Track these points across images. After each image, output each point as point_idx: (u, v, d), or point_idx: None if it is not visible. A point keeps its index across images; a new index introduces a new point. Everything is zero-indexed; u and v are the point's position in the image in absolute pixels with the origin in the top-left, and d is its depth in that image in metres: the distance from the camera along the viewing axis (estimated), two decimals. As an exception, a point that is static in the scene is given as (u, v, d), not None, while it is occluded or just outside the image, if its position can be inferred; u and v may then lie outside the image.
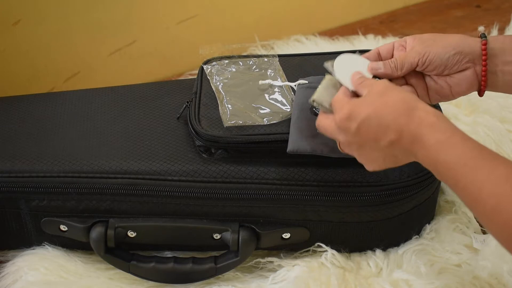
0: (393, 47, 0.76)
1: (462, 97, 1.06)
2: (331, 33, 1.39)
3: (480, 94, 0.75)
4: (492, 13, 1.47)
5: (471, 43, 0.72)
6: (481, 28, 0.73)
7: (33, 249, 0.86)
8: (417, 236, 0.87)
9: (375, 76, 0.74)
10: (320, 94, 0.72)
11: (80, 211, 0.82)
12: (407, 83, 0.76)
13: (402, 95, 0.65)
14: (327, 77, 0.73)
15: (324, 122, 0.71)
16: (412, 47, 0.74)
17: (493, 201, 0.55)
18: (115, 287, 0.82)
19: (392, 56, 0.76)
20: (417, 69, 0.74)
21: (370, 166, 0.69)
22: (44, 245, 0.86)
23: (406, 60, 0.74)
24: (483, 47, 0.72)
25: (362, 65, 0.74)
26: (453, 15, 1.49)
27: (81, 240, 0.83)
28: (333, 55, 0.89)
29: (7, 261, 0.87)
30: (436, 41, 0.73)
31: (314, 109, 0.79)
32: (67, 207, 0.82)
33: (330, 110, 0.70)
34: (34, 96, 0.99)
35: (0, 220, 0.84)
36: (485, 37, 0.72)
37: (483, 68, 0.72)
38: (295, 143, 0.77)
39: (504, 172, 0.56)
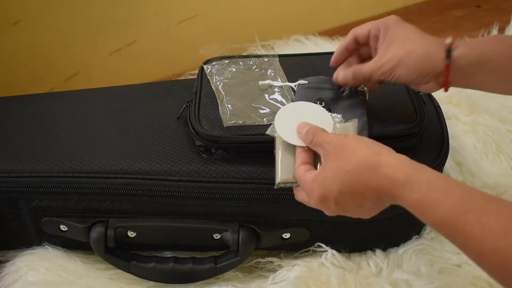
0: (369, 34, 0.76)
1: (462, 97, 1.07)
2: (331, 33, 1.39)
3: (445, 91, 0.74)
4: (492, 13, 1.47)
5: (435, 62, 0.70)
6: (448, 40, 0.71)
7: (33, 249, 0.86)
8: (417, 236, 0.87)
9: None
10: (284, 175, 0.69)
11: (80, 211, 0.82)
12: None
13: (359, 155, 0.61)
14: (278, 147, 0.71)
15: (302, 199, 0.69)
16: (378, 59, 0.73)
17: (497, 258, 0.52)
18: (115, 287, 0.82)
19: (368, 42, 0.77)
20: (385, 80, 0.75)
21: (365, 217, 0.66)
22: (44, 245, 0.86)
23: (373, 76, 0.74)
24: (445, 67, 0.70)
25: (301, 111, 0.72)
26: (453, 15, 1.50)
27: (81, 240, 0.83)
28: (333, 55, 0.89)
29: (7, 261, 0.87)
30: (402, 59, 0.71)
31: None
32: (67, 207, 0.82)
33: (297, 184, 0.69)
34: (34, 96, 0.99)
35: (0, 220, 0.84)
36: (449, 56, 0.70)
37: (444, 87, 0.72)
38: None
39: (498, 225, 0.53)
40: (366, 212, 0.64)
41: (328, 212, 0.66)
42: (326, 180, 0.63)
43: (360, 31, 0.77)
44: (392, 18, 0.75)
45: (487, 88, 0.74)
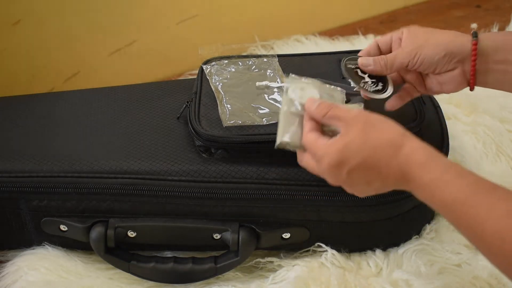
0: (391, 40, 0.76)
1: (462, 97, 1.06)
2: (331, 33, 1.38)
3: (471, 89, 0.75)
4: (492, 13, 1.47)
5: (462, 43, 0.72)
6: (473, 26, 0.72)
7: (33, 249, 0.86)
8: (417, 236, 0.87)
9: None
10: (288, 135, 0.68)
11: (80, 211, 0.82)
12: (401, 76, 0.77)
13: (387, 134, 0.63)
14: (284, 107, 0.70)
15: (307, 162, 0.68)
16: (404, 46, 0.74)
17: (498, 239, 0.54)
18: (115, 287, 0.82)
19: (391, 50, 0.76)
20: (408, 67, 0.74)
21: (361, 195, 0.67)
22: (44, 245, 0.86)
23: (396, 60, 0.74)
24: (473, 47, 0.71)
25: (311, 85, 0.72)
26: (453, 15, 1.50)
27: (81, 240, 0.83)
28: (333, 55, 0.90)
29: (7, 261, 0.87)
30: (428, 40, 0.72)
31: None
32: (67, 207, 0.82)
33: (303, 149, 0.68)
34: (34, 96, 0.99)
35: (0, 220, 0.84)
36: (476, 36, 0.72)
37: (472, 68, 0.72)
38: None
39: (505, 207, 0.55)
40: (366, 190, 0.65)
41: (332, 180, 0.66)
42: (347, 149, 0.63)
43: (383, 38, 0.77)
44: (414, 26, 0.76)
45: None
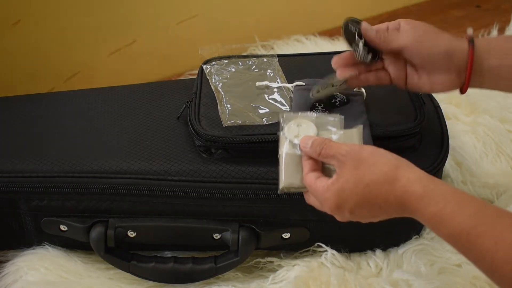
0: (387, 29, 0.74)
1: (462, 97, 1.06)
2: (331, 33, 1.38)
3: (462, 92, 0.74)
4: (492, 13, 1.47)
5: (461, 46, 0.71)
6: (469, 31, 0.72)
7: (33, 249, 0.86)
8: (417, 236, 0.87)
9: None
10: (289, 179, 0.68)
11: (80, 211, 0.82)
12: (384, 68, 0.76)
13: (380, 169, 0.62)
14: (283, 150, 0.69)
15: (313, 203, 0.68)
16: (405, 31, 0.73)
17: (509, 268, 0.53)
18: (115, 287, 0.82)
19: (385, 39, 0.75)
20: (404, 54, 0.73)
21: (375, 221, 0.67)
22: (44, 245, 0.86)
23: (396, 40, 0.72)
24: (470, 52, 0.71)
25: (307, 120, 0.71)
26: (453, 15, 1.50)
27: (81, 240, 0.83)
28: (333, 55, 0.89)
29: (7, 261, 0.87)
30: (429, 36, 0.72)
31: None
32: (67, 207, 0.82)
33: (306, 190, 0.68)
34: (34, 96, 0.99)
35: (0, 220, 0.84)
36: (473, 42, 0.71)
37: (468, 74, 0.71)
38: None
39: (510, 235, 0.54)
40: (378, 218, 0.65)
41: (340, 219, 0.66)
42: (343, 192, 0.63)
43: (378, 27, 0.75)
44: (409, 19, 0.75)
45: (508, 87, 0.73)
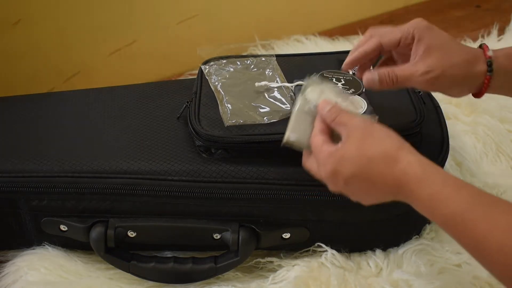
0: (399, 43, 0.72)
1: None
2: (331, 33, 1.39)
3: (476, 97, 0.75)
4: (492, 13, 1.47)
5: (479, 73, 0.70)
6: (490, 53, 0.71)
7: (33, 249, 0.86)
8: (417, 236, 0.87)
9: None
10: (297, 133, 0.69)
11: (80, 211, 0.82)
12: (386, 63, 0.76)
13: (382, 146, 0.62)
14: (298, 104, 0.70)
15: (310, 166, 0.69)
16: (418, 65, 0.70)
17: (502, 254, 0.53)
18: (115, 287, 0.82)
19: (390, 50, 0.75)
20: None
21: (365, 203, 0.67)
22: (44, 245, 0.86)
23: (407, 82, 0.70)
24: (485, 81, 0.70)
25: (330, 90, 0.71)
26: (453, 15, 1.50)
27: (81, 240, 0.83)
28: (333, 55, 0.90)
29: (7, 261, 0.87)
30: (445, 66, 0.69)
31: None
32: (67, 207, 0.82)
33: (309, 149, 0.69)
34: (34, 96, 0.99)
35: (0, 220, 0.84)
36: (492, 71, 0.70)
37: (482, 93, 0.72)
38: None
39: (506, 221, 0.54)
40: (368, 199, 0.65)
41: (332, 188, 0.66)
42: (343, 159, 0.63)
43: (389, 39, 0.72)
44: (422, 22, 0.72)
45: None
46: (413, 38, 0.71)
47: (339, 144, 0.65)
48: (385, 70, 0.71)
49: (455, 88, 0.72)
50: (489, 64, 0.70)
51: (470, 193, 0.57)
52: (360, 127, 0.64)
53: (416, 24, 0.72)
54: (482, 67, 0.70)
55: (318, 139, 0.67)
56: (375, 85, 0.72)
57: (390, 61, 0.78)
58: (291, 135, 0.70)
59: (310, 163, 0.69)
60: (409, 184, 0.60)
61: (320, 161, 0.66)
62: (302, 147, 0.70)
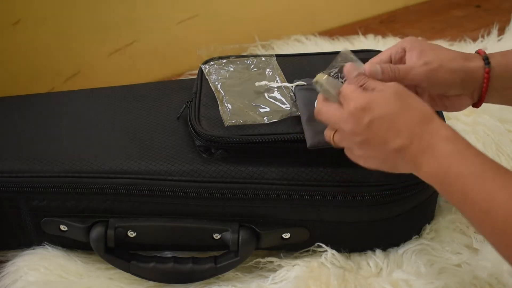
0: (390, 59, 0.74)
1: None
2: (331, 33, 1.38)
3: (475, 107, 0.76)
4: (492, 13, 1.47)
5: (476, 70, 0.71)
6: (485, 49, 0.72)
7: (33, 249, 0.86)
8: (417, 236, 0.87)
9: None
10: (329, 78, 0.70)
11: (80, 211, 0.82)
12: None
13: (421, 104, 0.64)
14: (339, 58, 0.72)
15: (327, 109, 0.68)
16: (416, 62, 0.71)
17: (504, 212, 0.54)
18: (115, 287, 0.82)
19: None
20: (416, 86, 0.72)
21: (365, 163, 0.67)
22: (44, 245, 0.86)
23: (409, 75, 0.71)
24: (485, 75, 0.71)
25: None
26: (453, 15, 1.49)
27: (81, 240, 0.83)
28: (333, 55, 0.89)
29: (7, 261, 0.87)
30: (443, 63, 0.70)
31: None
32: (67, 207, 0.82)
33: (334, 98, 0.68)
34: (34, 96, 0.99)
35: (0, 220, 0.84)
36: (489, 63, 0.71)
37: (483, 94, 0.72)
38: (315, 138, 0.76)
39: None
40: (377, 156, 0.65)
41: (349, 128, 0.65)
42: (381, 98, 0.64)
43: (379, 58, 0.74)
44: (411, 37, 0.75)
45: None
46: (404, 50, 0.73)
47: (375, 91, 0.65)
48: (387, 64, 0.72)
49: (455, 86, 0.71)
50: (485, 58, 0.71)
51: (488, 159, 0.59)
52: (397, 86, 0.65)
53: (405, 39, 0.74)
54: (478, 62, 0.71)
55: (351, 86, 0.67)
56: (377, 75, 0.71)
57: None
58: (325, 74, 0.70)
59: (328, 106, 0.68)
60: (435, 139, 0.61)
61: (350, 97, 0.65)
62: (328, 91, 0.69)
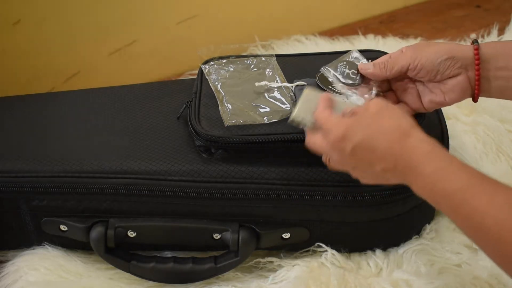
0: (390, 57, 0.77)
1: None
2: (331, 33, 1.38)
3: (475, 99, 0.76)
4: (492, 13, 1.47)
5: (464, 49, 0.73)
6: (473, 36, 0.74)
7: (33, 249, 0.86)
8: (417, 236, 0.87)
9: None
10: (302, 113, 0.72)
11: (80, 211, 0.82)
12: (391, 89, 0.78)
13: (397, 121, 0.64)
14: (305, 92, 0.74)
15: (314, 141, 0.70)
16: (405, 52, 0.75)
17: (497, 229, 0.55)
18: (115, 287, 0.82)
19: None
20: (409, 73, 0.74)
21: (363, 181, 0.69)
22: (44, 245, 0.86)
23: (396, 62, 0.74)
24: (475, 51, 0.72)
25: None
26: (453, 15, 1.49)
27: (81, 240, 0.83)
28: (333, 55, 0.90)
29: (7, 261, 0.87)
30: (430, 46, 0.74)
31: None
32: (67, 207, 0.82)
33: (312, 127, 0.70)
34: (34, 96, 0.99)
35: (0, 220, 0.84)
36: (477, 42, 0.73)
37: (476, 72, 0.72)
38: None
39: (504, 197, 0.56)
40: (370, 174, 0.66)
41: (337, 157, 0.67)
42: (355, 125, 0.65)
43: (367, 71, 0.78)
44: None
45: None
46: (401, 49, 0.76)
47: (353, 116, 0.66)
48: (378, 59, 0.77)
49: (442, 64, 0.72)
50: (474, 40, 0.73)
51: (473, 172, 0.59)
52: (377, 103, 0.66)
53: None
54: (468, 46, 0.73)
55: (326, 112, 0.68)
56: (369, 68, 0.76)
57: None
58: (296, 115, 0.72)
59: (314, 138, 0.70)
60: (416, 157, 0.61)
61: (327, 128, 0.67)
62: (305, 124, 0.72)
